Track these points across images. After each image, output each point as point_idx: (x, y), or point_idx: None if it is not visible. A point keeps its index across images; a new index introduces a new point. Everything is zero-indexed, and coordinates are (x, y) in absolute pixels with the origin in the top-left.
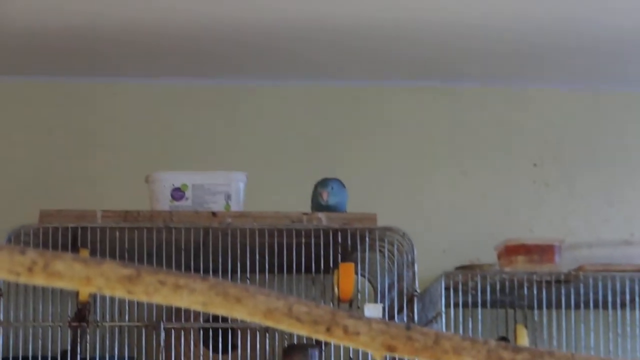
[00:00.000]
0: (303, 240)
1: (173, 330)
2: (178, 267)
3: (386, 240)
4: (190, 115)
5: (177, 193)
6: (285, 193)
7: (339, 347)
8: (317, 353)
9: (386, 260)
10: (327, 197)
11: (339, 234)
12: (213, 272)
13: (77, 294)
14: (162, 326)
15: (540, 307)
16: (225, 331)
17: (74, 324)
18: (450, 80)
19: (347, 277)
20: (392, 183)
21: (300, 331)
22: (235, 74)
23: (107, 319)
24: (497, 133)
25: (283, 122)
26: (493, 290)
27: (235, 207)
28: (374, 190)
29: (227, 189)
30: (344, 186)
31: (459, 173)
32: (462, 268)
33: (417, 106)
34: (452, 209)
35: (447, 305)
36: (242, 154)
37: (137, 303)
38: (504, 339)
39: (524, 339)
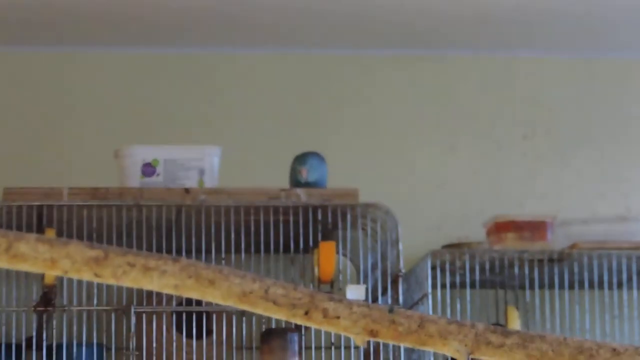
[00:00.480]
0: (281, 218)
1: (144, 315)
2: (149, 247)
3: (369, 218)
4: (161, 86)
5: (148, 169)
6: (262, 168)
7: (320, 331)
8: (296, 338)
9: (369, 238)
10: (306, 174)
11: (319, 211)
12: (186, 252)
13: (42, 276)
14: (132, 310)
15: (532, 287)
16: (199, 315)
17: (39, 308)
18: (436, 48)
19: (327, 257)
20: (375, 157)
21: (278, 315)
22: (208, 42)
23: (75, 303)
24: (486, 103)
25: (260, 93)
26: (482, 270)
27: (209, 183)
28: (356, 164)
29: (201, 164)
30: (323, 160)
31: (446, 146)
32: (450, 247)
33: (402, 76)
34: (439, 184)
35: (434, 286)
36: (217, 126)
37: (106, 286)
38: (497, 325)
39: (515, 321)
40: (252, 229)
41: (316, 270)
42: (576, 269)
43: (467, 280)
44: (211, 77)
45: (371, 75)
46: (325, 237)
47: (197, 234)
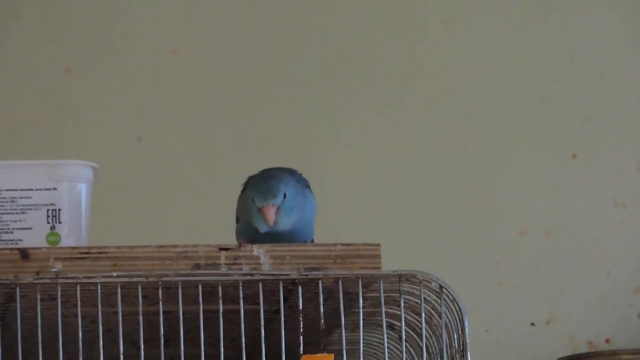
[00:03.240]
0: (221, 308)
1: None
2: None
3: (402, 301)
4: None
5: None
6: (179, 202)
7: None
8: None
9: (404, 344)
10: (275, 215)
11: (300, 289)
12: None
13: None
14: None
15: None
16: None
17: None
18: None
19: None
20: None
21: None
22: None
23: None
24: None
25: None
26: None
27: (71, 237)
28: (363, 192)
29: (54, 197)
30: (305, 185)
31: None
32: None
33: None
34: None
35: None
36: (89, 121)
37: None
38: None
39: None
40: (163, 330)
41: None
42: None
43: None
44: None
45: None
46: (316, 344)
47: (49, 345)
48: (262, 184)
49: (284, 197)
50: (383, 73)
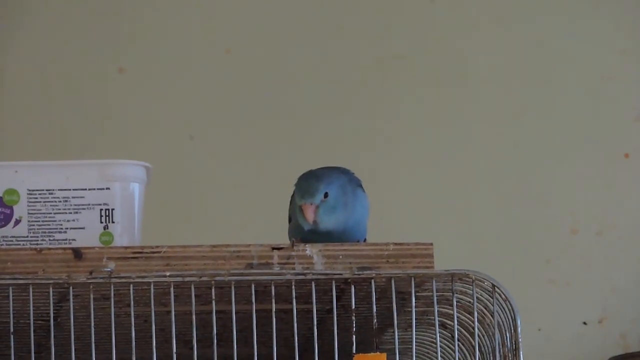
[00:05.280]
0: (274, 307)
1: None
2: None
3: (455, 300)
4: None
5: None
6: (232, 202)
7: None
8: None
9: (456, 343)
10: (315, 214)
11: (352, 289)
12: None
13: None
14: None
15: None
16: None
17: None
18: None
19: None
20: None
21: None
22: None
23: None
24: None
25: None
26: None
27: (124, 236)
28: (415, 191)
29: (106, 197)
30: (357, 185)
31: None
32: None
33: None
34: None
35: None
36: (139, 124)
37: None
38: None
39: None
40: (215, 328)
41: None
42: None
43: None
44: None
45: None
46: (367, 343)
47: (102, 343)
48: (302, 183)
49: (325, 196)
50: (434, 72)
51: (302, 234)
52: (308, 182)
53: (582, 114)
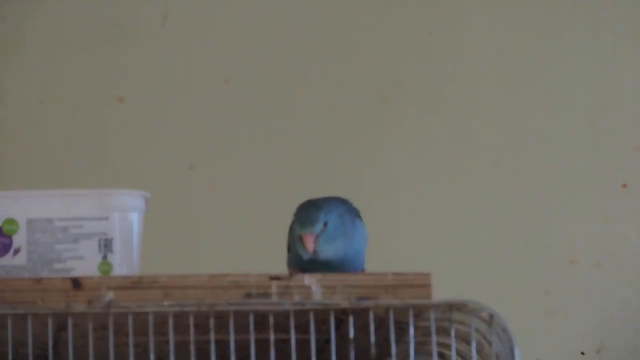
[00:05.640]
0: (272, 337)
1: None
2: None
3: (453, 331)
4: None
5: None
6: (231, 231)
7: None
8: None
9: None
10: (315, 244)
11: (351, 319)
12: None
13: None
14: None
15: None
16: None
17: None
18: None
19: None
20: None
21: None
22: None
23: None
24: None
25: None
26: None
27: (123, 266)
28: (412, 220)
29: (105, 227)
30: (356, 215)
31: None
32: None
33: None
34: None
35: None
36: (138, 152)
37: None
38: None
39: None
40: (213, 358)
41: None
42: None
43: None
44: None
45: None
46: None
47: None
48: (303, 213)
49: (325, 225)
50: (434, 100)
51: (301, 263)
52: (308, 212)
53: (581, 143)
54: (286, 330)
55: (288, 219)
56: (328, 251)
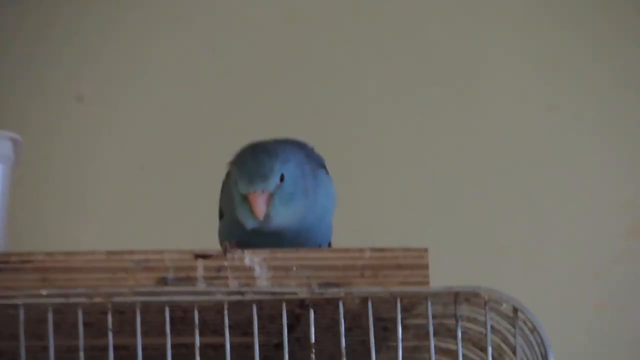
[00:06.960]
0: (197, 341)
1: None
2: None
3: (459, 331)
4: None
5: None
6: (139, 195)
7: None
8: None
9: None
10: (268, 207)
11: (311, 314)
12: None
13: None
14: None
15: None
16: None
17: None
18: None
19: None
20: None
21: None
22: None
23: None
24: None
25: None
26: None
27: None
28: (402, 184)
29: None
30: (319, 165)
31: None
32: None
33: None
34: None
35: None
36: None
37: None
38: None
39: None
40: None
41: None
42: None
43: None
44: None
45: None
46: None
47: None
48: (248, 162)
49: (281, 180)
50: (429, 71)
51: (240, 235)
52: (256, 161)
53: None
54: (219, 331)
55: (220, 175)
56: (286, 216)
